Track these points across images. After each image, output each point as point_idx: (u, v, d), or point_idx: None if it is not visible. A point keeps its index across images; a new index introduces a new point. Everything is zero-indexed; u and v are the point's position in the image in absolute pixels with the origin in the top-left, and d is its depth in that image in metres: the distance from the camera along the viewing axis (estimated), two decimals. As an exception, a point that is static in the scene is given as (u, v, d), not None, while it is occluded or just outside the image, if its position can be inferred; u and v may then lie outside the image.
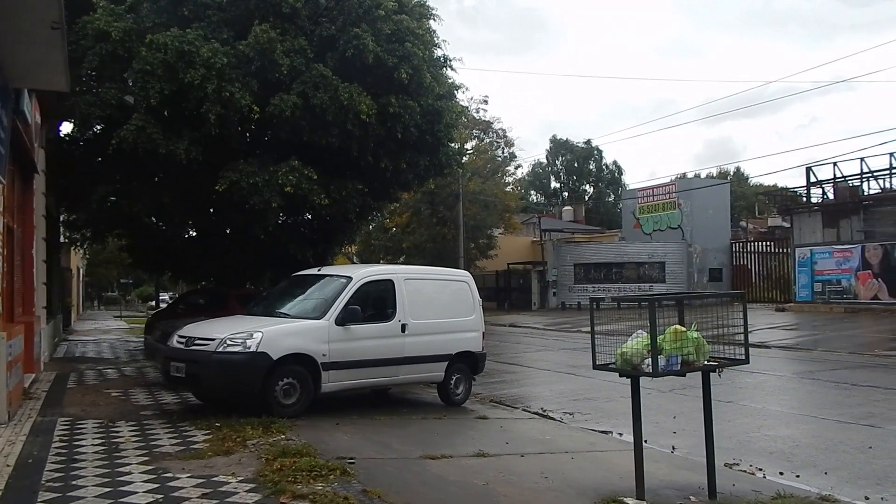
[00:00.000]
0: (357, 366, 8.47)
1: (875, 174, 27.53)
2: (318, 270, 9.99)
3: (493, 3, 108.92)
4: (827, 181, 28.71)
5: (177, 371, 7.92)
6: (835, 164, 28.07)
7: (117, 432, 7.01)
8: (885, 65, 73.63)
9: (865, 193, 27.64)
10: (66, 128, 14.61)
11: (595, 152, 71.17)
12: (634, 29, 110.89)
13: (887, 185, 27.51)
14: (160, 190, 13.52)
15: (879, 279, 25.02)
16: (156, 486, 5.11)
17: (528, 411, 9.56)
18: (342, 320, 8.37)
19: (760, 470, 6.47)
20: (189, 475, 5.37)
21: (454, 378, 9.65)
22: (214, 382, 7.75)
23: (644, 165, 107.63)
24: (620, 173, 72.79)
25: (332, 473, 5.44)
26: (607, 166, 72.75)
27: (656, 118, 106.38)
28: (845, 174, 28.14)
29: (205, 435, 6.78)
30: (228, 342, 7.71)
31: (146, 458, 5.90)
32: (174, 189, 13.54)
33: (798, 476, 6.28)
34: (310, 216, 16.24)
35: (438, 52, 14.28)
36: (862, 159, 27.19)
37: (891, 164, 26.77)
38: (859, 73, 74.73)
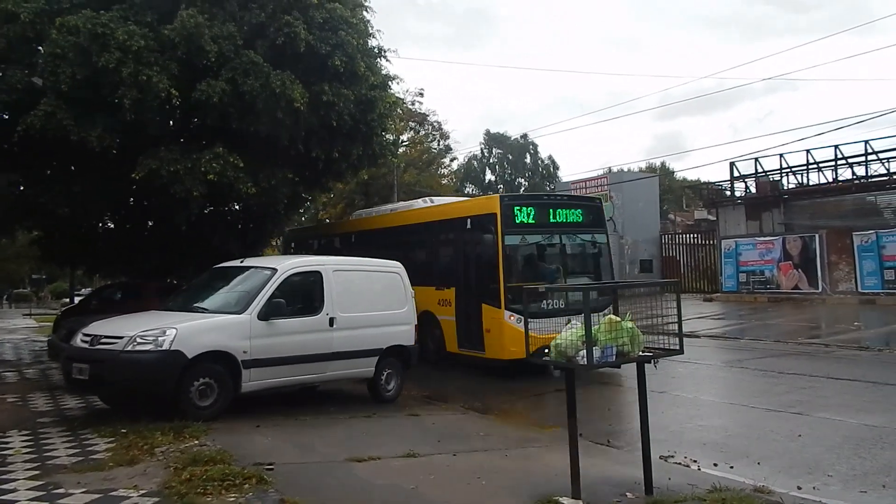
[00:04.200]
0: (281, 363, 8.02)
1: (793, 169, 28.72)
2: (241, 262, 9.44)
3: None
4: (749, 176, 29.75)
5: (79, 373, 7.24)
6: (756, 159, 29.12)
7: (7, 443, 6.35)
8: (812, 64, 77.43)
9: (785, 188, 28.81)
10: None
11: (530, 146, 71.86)
12: (582, 26, 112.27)
13: (804, 179, 28.77)
14: (72, 178, 12.61)
15: (799, 269, 26.10)
16: (42, 504, 4.55)
17: (463, 407, 9.31)
18: (265, 314, 7.93)
19: (695, 462, 6.42)
20: (84, 490, 4.83)
21: (385, 373, 9.35)
22: (122, 384, 7.13)
23: (589, 160, 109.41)
24: (556, 168, 73.81)
25: (247, 482, 5.01)
26: (542, 160, 73.60)
27: (588, 112, 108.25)
28: (766, 169, 29.26)
29: (107, 443, 6.20)
30: (139, 340, 7.12)
31: (36, 472, 5.31)
32: (89, 178, 12.66)
33: (732, 467, 6.25)
34: (237, 206, 15.56)
35: (373, 42, 14.05)
36: (781, 155, 28.31)
37: (807, 159, 28.00)
38: (785, 73, 78.28)
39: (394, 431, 7.46)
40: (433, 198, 16.31)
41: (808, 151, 27.90)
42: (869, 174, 26.50)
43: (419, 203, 15.49)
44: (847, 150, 26.82)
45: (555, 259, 12.01)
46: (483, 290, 11.49)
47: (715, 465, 6.33)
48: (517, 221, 11.38)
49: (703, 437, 7.53)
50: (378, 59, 14.21)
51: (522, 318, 9.12)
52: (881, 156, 25.99)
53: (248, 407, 7.77)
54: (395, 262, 10.21)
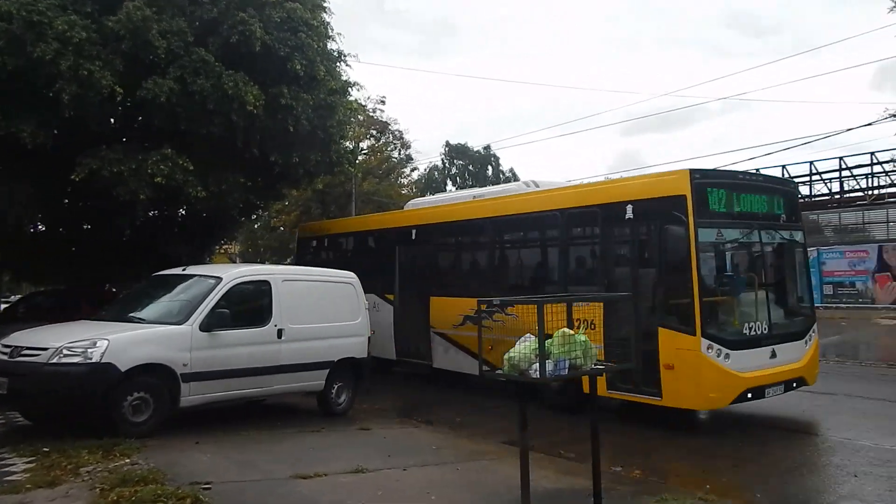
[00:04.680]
0: (224, 376, 7.67)
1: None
2: (184, 270, 9.05)
3: (419, 6, 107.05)
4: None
5: (-3, 387, 6.73)
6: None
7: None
8: (765, 85, 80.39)
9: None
10: None
11: (492, 158, 72.43)
12: (552, 39, 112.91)
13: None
14: (-1, 176, 11.88)
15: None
16: (-54, 532, 4.16)
17: (415, 420, 9.10)
18: (208, 325, 7.58)
19: (644, 472, 6.40)
20: (-5, 515, 4.44)
21: (336, 386, 9.08)
22: (45, 399, 6.66)
23: (551, 173, 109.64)
24: (517, 180, 74.36)
25: (181, 503, 4.69)
26: (504, 173, 74.11)
27: (550, 126, 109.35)
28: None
29: (27, 463, 5.75)
30: (66, 351, 6.68)
31: (-57, 496, 4.86)
32: (19, 177, 11.97)
33: (678, 476, 6.28)
34: (185, 211, 15.00)
35: (333, 45, 13.74)
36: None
37: (757, 176, 28.90)
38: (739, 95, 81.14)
39: (343, 446, 7.18)
40: (536, 180, 11.95)
41: (756, 170, 28.79)
42: (813, 194, 27.50)
43: (518, 187, 11.95)
44: (793, 171, 27.79)
45: (748, 264, 9.07)
46: (662, 308, 8.24)
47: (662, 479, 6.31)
48: (711, 209, 8.20)
49: (650, 449, 7.51)
50: (338, 64, 13.93)
51: (723, 349, 7.64)
52: (824, 176, 27.04)
53: (189, 422, 7.39)
54: (349, 272, 9.93)
